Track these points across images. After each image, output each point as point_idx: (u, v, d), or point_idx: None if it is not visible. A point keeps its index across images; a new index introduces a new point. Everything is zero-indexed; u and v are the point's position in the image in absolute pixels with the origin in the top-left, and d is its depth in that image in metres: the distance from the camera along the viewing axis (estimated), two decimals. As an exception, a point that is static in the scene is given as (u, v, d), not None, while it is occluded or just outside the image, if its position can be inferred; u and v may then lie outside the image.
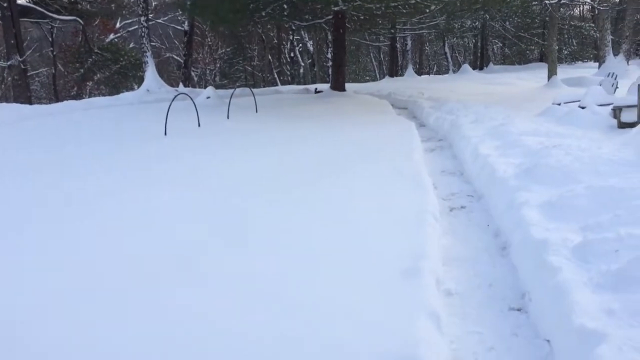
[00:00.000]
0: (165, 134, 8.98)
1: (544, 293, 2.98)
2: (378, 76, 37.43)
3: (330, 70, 30.95)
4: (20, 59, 20.08)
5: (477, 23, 28.00)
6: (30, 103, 19.17)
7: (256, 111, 12.13)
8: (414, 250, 3.51)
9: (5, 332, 2.72)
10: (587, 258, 3.06)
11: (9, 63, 20.35)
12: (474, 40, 35.77)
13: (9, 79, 23.25)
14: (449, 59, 34.66)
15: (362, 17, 17.53)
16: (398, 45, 31.86)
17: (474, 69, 29.56)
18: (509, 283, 3.49)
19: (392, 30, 24.30)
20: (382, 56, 40.58)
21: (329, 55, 31.13)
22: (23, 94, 20.08)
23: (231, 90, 16.57)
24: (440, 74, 33.25)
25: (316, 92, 18.25)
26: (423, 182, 5.33)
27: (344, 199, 4.80)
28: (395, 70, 30.46)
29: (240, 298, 2.96)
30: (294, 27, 26.37)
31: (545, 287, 2.99)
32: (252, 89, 15.55)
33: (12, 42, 19.94)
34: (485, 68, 31.41)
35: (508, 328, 2.95)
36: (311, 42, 34.37)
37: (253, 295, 2.99)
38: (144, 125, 10.29)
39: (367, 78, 36.22)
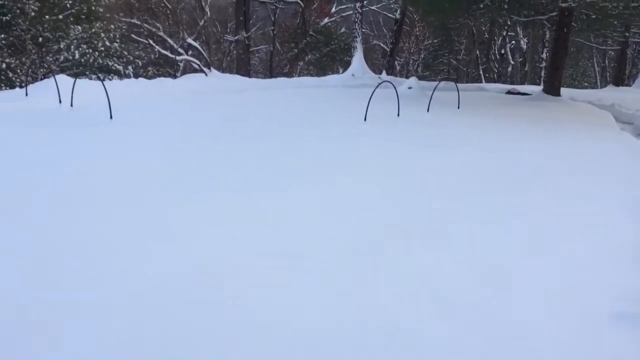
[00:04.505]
0: (365, 119, 9.02)
1: None
2: (599, 84, 33.57)
3: (543, 72, 28.66)
4: (245, 35, 22.10)
5: None
6: (249, 76, 21.03)
7: (458, 107, 11.60)
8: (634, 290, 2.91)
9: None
10: None
11: (236, 38, 22.53)
12: None
13: (234, 52, 25.85)
14: (693, 72, 29.63)
15: (592, 17, 15.66)
16: (629, 51, 28.10)
17: None
18: None
19: (626, 34, 21.39)
20: (607, 62, 36.26)
21: (544, 55, 28.77)
22: (244, 67, 22.11)
23: (433, 82, 16.18)
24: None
25: (510, 93, 16.97)
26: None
27: (549, 217, 4.23)
28: (621, 79, 26.97)
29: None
30: (509, 23, 24.77)
31: None
32: (456, 84, 14.96)
33: (241, 19, 22.00)
34: None
35: None
36: (525, 40, 32.08)
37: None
38: (345, 109, 10.50)
39: (585, 84, 32.72)
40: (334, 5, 31.53)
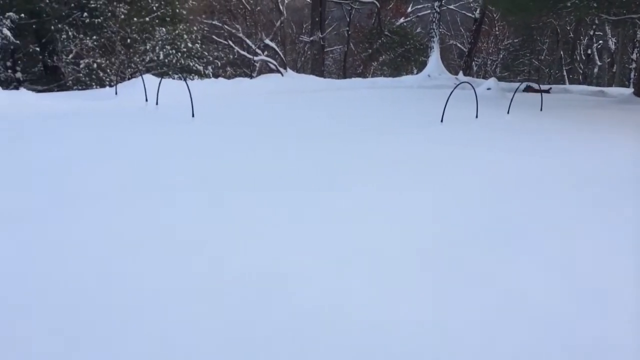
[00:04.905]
0: (442, 120, 8.84)
1: None
2: (696, 86, 31.16)
3: (632, 74, 26.97)
4: (321, 36, 22.30)
5: None
6: (323, 76, 21.19)
7: (541, 109, 11.13)
8: None
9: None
10: None
11: (311, 38, 22.79)
12: None
13: (309, 53, 26.15)
14: None
15: (691, 14, 14.58)
16: None
17: None
18: None
19: None
20: None
21: (634, 56, 27.11)
22: (318, 68, 22.33)
23: (512, 84, 15.63)
24: None
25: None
26: None
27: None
28: None
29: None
30: (597, 22, 23.48)
31: None
32: (539, 86, 14.36)
33: (317, 20, 22.21)
34: None
35: None
36: (614, 40, 30.34)
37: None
38: (421, 110, 10.35)
39: (680, 87, 30.48)
40: (410, 5, 31.14)
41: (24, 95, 9.12)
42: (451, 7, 29.58)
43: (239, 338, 2.44)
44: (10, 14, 13.77)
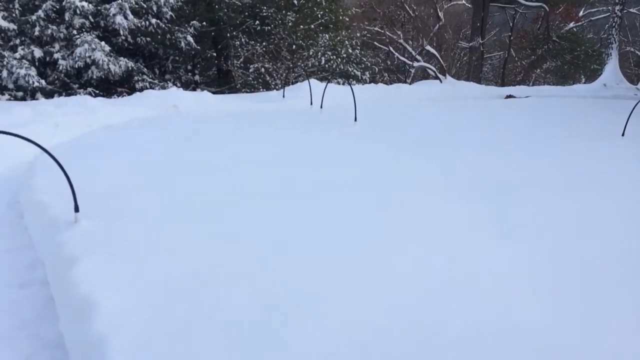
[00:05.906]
0: (623, 134, 8.03)
1: None
2: None
3: None
4: (481, 42, 21.55)
5: None
6: (480, 83, 20.44)
7: None
8: None
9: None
10: None
11: (470, 44, 22.12)
12: None
13: (465, 59, 25.38)
14: None
15: None
16: None
17: None
18: None
19: None
20: None
21: None
22: (476, 75, 21.62)
23: None
24: None
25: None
26: None
27: None
28: None
29: None
30: None
31: None
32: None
33: (478, 25, 21.50)
34: None
35: None
36: None
37: None
38: (599, 121, 9.50)
39: None
40: (583, 9, 28.70)
41: (204, 96, 10.06)
42: (632, 10, 26.72)
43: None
44: (194, 22, 15.24)
